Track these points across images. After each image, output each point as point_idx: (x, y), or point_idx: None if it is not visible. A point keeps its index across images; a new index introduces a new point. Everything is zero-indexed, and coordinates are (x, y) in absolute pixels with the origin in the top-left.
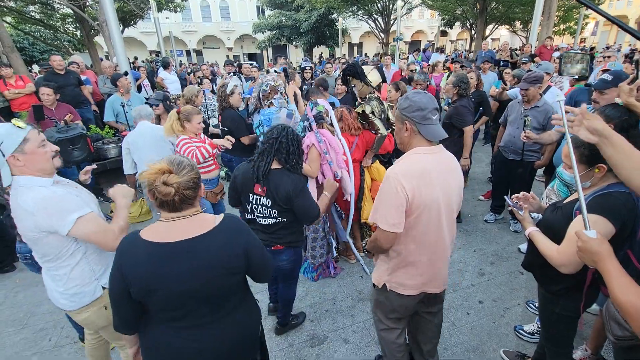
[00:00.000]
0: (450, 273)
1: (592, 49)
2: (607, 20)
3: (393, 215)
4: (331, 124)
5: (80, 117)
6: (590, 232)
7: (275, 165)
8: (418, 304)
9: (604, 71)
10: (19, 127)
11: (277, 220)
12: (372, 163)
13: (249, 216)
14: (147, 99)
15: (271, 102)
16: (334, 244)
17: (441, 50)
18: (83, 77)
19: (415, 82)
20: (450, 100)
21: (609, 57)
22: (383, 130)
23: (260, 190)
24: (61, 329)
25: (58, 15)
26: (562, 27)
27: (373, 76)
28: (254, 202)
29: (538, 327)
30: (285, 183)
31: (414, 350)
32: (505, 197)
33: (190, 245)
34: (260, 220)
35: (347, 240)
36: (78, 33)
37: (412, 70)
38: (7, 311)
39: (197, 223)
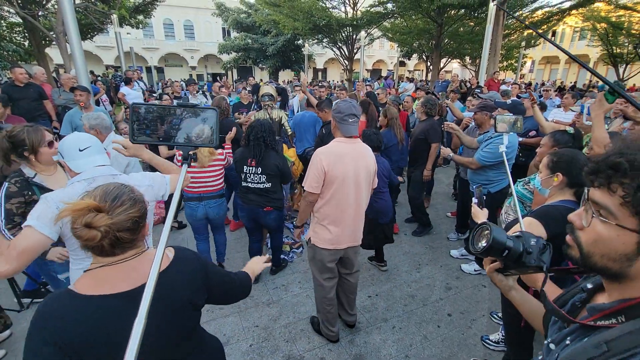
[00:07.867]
0: (420, 288)
1: (529, 84)
2: (570, 57)
3: (314, 180)
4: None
5: None
6: None
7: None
8: (338, 265)
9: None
10: None
11: (265, 186)
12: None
13: (244, 183)
14: None
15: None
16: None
17: (411, 79)
18: None
19: (390, 104)
20: (419, 120)
21: (547, 90)
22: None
23: (252, 163)
24: None
25: (4, 24)
26: (505, 63)
27: (266, 90)
28: (247, 172)
29: (502, 336)
30: (275, 159)
31: (339, 306)
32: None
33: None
34: (252, 185)
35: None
36: (26, 43)
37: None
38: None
39: (149, 262)
